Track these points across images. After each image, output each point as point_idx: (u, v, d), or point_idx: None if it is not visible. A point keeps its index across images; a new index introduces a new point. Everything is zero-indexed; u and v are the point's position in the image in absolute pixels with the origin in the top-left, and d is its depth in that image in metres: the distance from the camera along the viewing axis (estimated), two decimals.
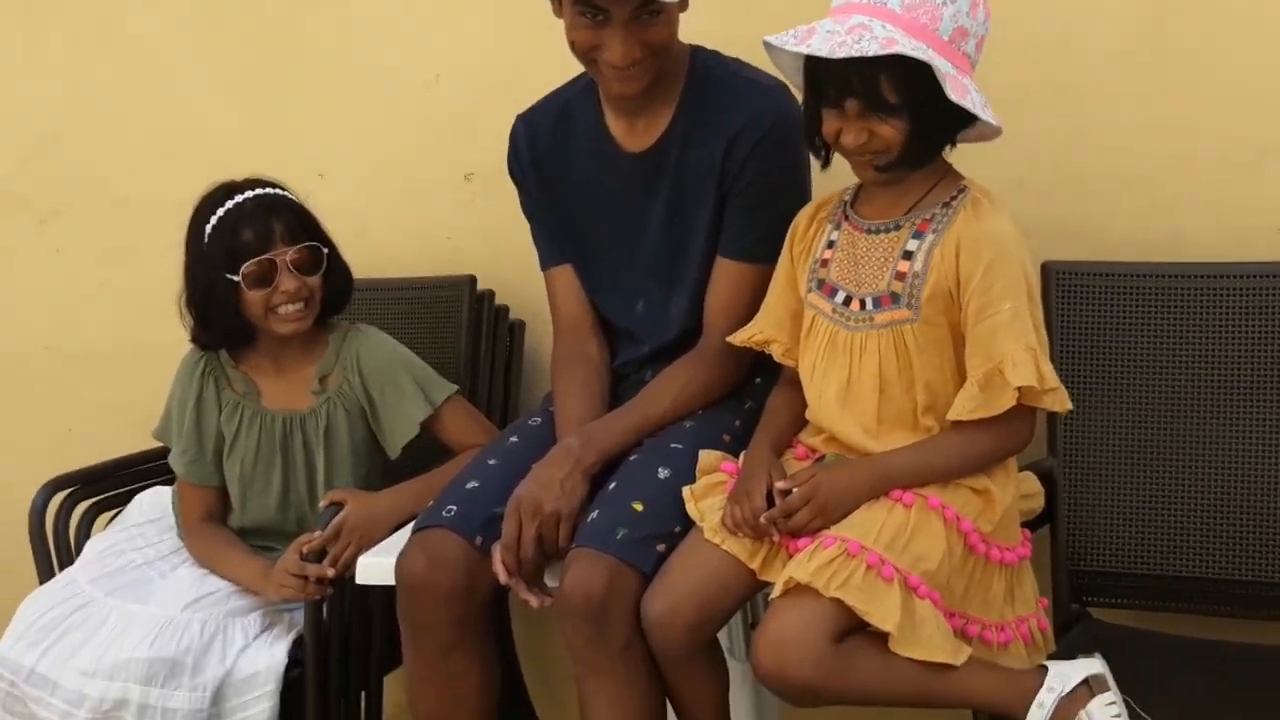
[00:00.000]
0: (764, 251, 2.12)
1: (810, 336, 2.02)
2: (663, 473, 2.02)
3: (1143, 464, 2.26)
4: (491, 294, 2.83)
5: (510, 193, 2.88)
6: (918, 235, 1.93)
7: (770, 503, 1.88)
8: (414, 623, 2.07)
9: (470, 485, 2.13)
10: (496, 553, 2.00)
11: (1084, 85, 2.42)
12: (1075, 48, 2.42)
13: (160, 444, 2.61)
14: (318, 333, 2.47)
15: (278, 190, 2.41)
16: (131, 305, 3.28)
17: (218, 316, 2.38)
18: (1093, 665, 1.80)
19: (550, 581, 2.03)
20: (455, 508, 2.08)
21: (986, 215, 1.90)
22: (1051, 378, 1.84)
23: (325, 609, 2.32)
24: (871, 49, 1.75)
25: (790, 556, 1.86)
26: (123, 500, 2.70)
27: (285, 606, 2.40)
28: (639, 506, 1.96)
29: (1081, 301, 2.32)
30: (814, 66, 1.86)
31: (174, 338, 3.16)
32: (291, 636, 2.35)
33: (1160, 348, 2.28)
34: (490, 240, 2.95)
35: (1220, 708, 1.91)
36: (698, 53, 2.20)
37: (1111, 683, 1.78)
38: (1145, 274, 2.30)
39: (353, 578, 2.27)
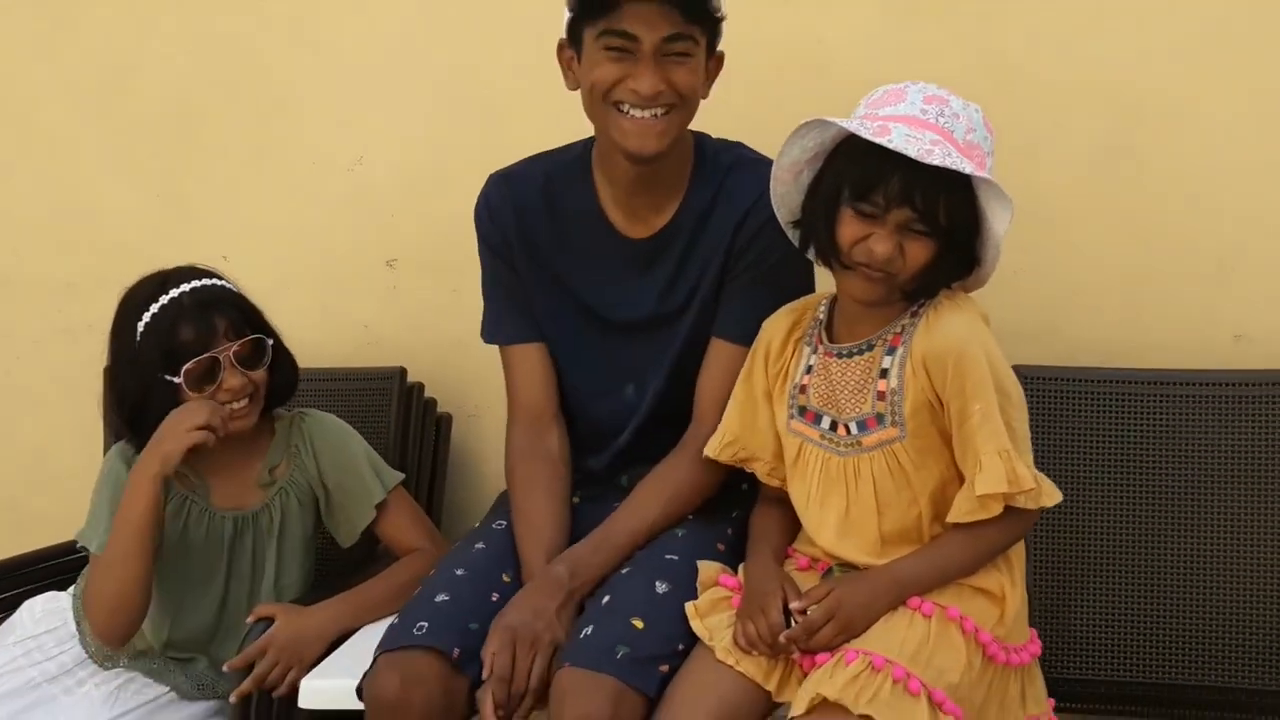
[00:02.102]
0: None
1: (800, 464, 1.94)
2: (661, 587, 1.89)
3: (1110, 568, 2.24)
4: (421, 386, 2.67)
5: (435, 281, 2.78)
6: (890, 351, 1.86)
7: (786, 619, 1.78)
8: None
9: (440, 599, 1.94)
10: (486, 692, 1.80)
11: (1050, 192, 2.42)
12: (1044, 157, 2.42)
13: (52, 545, 2.41)
14: (262, 424, 2.28)
15: (216, 281, 2.21)
16: (6, 392, 3.00)
17: (157, 420, 2.15)
18: None
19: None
20: (426, 624, 1.89)
21: (944, 316, 1.84)
22: (1026, 478, 1.77)
23: None
24: (967, 167, 1.70)
25: (805, 675, 1.76)
26: (4, 608, 2.39)
27: None
28: (639, 624, 1.81)
29: (1046, 405, 2.29)
30: (857, 165, 1.77)
31: (55, 427, 2.91)
32: None
33: (1125, 453, 2.27)
34: (413, 330, 2.81)
35: None
36: (702, 138, 2.12)
37: None
38: (1108, 379, 2.30)
39: (282, 701, 2.08)
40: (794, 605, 1.78)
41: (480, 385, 2.73)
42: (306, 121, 2.83)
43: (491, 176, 2.20)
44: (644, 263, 2.10)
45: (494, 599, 1.95)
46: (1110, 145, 2.41)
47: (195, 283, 2.17)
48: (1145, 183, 2.40)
